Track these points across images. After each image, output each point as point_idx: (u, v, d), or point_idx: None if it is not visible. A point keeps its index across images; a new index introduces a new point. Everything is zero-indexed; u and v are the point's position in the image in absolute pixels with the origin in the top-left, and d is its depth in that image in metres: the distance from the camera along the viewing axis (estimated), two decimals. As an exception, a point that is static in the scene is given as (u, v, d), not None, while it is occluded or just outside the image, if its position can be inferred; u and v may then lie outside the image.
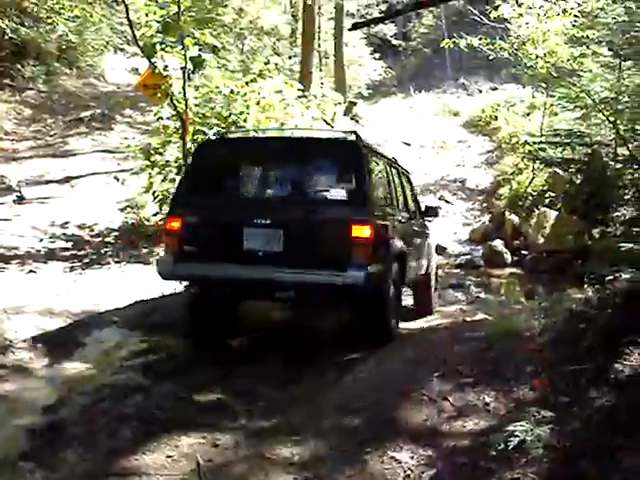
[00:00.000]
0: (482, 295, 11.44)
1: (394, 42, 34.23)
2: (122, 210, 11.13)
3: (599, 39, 13.83)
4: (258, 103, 10.39)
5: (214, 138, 8.39)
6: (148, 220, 10.47)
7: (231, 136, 8.25)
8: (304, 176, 6.52)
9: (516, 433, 3.81)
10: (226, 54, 15.61)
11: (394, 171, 7.80)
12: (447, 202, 17.16)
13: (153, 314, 7.11)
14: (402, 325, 8.99)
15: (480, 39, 14.04)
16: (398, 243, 6.82)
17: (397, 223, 7.12)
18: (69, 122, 16.88)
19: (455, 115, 25.96)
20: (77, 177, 13.27)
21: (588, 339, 5.08)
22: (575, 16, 13.18)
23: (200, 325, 6.35)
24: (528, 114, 16.12)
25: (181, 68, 9.37)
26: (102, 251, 9.40)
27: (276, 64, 10.69)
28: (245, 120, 10.45)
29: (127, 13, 9.57)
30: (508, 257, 13.23)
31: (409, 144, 21.14)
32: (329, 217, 6.02)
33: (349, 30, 13.38)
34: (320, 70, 21.30)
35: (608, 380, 4.56)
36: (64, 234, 10.10)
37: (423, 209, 9.09)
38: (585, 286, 10.02)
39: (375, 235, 5.94)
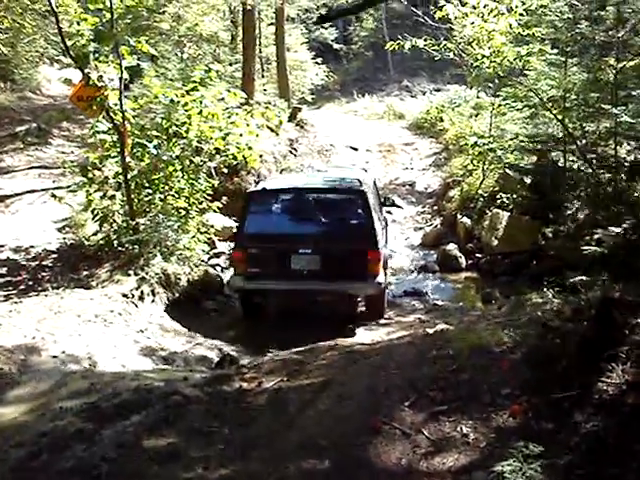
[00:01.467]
0: (439, 302, 11.15)
1: (335, 46, 33.96)
2: (60, 230, 10.53)
3: (544, 37, 13.75)
4: (200, 112, 9.92)
5: (260, 189, 9.75)
6: (88, 239, 9.87)
7: (273, 187, 9.82)
8: (330, 215, 9.37)
9: (505, 475, 3.44)
10: (165, 62, 15.00)
11: (375, 190, 11.02)
12: (397, 206, 16.85)
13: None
14: (361, 338, 8.73)
15: (425, 40, 13.84)
16: (387, 257, 10.29)
17: (385, 241, 10.55)
18: (3, 138, 16.13)
19: (400, 118, 25.74)
20: (12, 195, 12.62)
21: (566, 356, 4.77)
22: (520, 14, 13.01)
23: (248, 310, 9.52)
24: (476, 115, 15.92)
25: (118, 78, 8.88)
26: (40, 276, 8.78)
27: (217, 71, 10.20)
28: (187, 131, 9.99)
29: (57, 22, 9.01)
30: (463, 261, 12.96)
31: (356, 149, 20.83)
32: (353, 246, 9.04)
33: (315, 24, 12.99)
34: (262, 76, 20.86)
35: (592, 401, 4.24)
36: (-3, 259, 9.47)
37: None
38: (544, 289, 9.93)
39: (381, 258, 9.16)
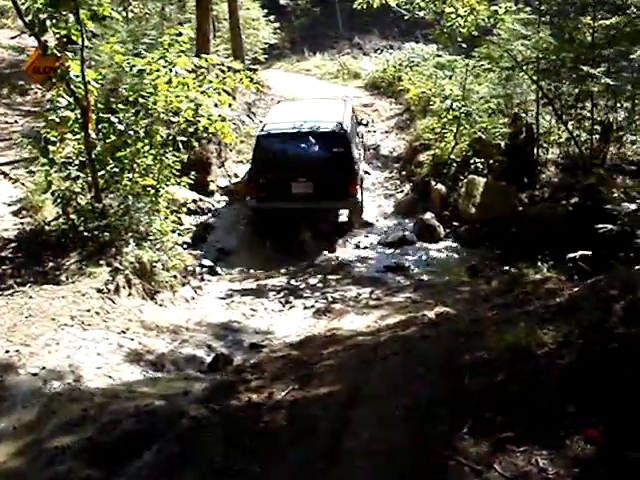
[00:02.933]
0: (424, 277, 10.67)
1: (282, 2, 32.76)
2: (16, 214, 9.59)
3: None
4: (169, 82, 9.06)
5: (266, 133, 12.30)
6: (49, 224, 8.94)
7: (274, 132, 12.33)
8: (320, 151, 12.07)
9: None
10: (112, 23, 13.90)
11: (355, 124, 14.33)
12: (364, 172, 16.25)
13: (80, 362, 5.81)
14: (355, 324, 8.19)
15: (395, -3, 13.14)
16: (362, 177, 13.45)
17: (361, 164, 13.73)
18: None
19: (355, 77, 24.99)
20: (-47, 173, 11.53)
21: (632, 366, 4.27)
22: (495, -30, 12.41)
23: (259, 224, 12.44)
24: (450, 77, 15.29)
25: (78, 46, 7.96)
26: (0, 270, 7.89)
27: (187, 35, 9.31)
28: (155, 102, 9.13)
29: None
30: (441, 230, 12.45)
31: (315, 111, 20.00)
32: (337, 175, 11.93)
33: None
34: (214, 36, 19.79)
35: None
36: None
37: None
38: (539, 264, 9.50)
39: (358, 183, 12.31)
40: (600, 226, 7.53)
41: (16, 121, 15.81)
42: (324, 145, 12.07)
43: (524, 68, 12.79)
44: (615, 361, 4.38)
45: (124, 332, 6.83)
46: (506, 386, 4.51)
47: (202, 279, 10.03)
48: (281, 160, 12.17)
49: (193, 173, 10.47)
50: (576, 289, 7.03)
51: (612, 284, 6.31)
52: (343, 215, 12.87)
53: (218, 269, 10.66)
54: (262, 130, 12.49)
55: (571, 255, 9.07)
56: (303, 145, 12.07)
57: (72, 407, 4.91)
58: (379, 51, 27.88)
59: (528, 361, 4.79)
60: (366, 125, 17.04)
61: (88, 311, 6.86)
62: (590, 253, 8.87)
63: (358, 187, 12.30)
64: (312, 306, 9.07)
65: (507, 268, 10.36)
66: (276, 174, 11.92)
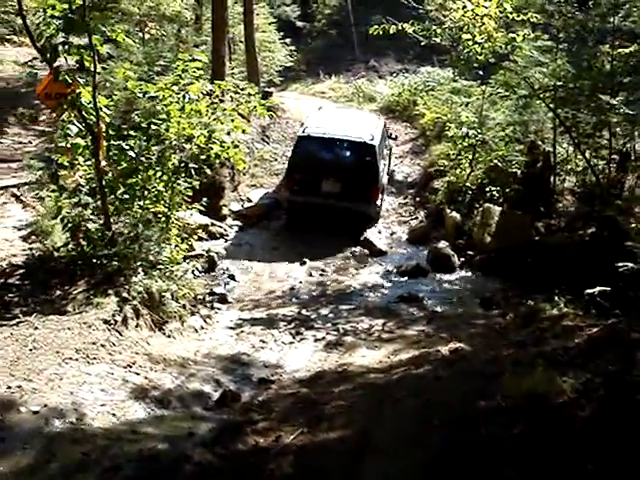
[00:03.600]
0: (438, 308, 10.47)
1: (298, 24, 32.80)
2: (25, 239, 9.48)
3: (536, 23, 13.10)
4: (182, 109, 8.96)
5: (306, 135, 13.91)
6: (58, 250, 8.82)
7: (313, 135, 13.85)
8: (351, 157, 13.68)
9: None
10: (128, 46, 13.88)
11: (386, 137, 16.10)
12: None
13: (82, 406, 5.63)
14: (367, 359, 8.00)
15: (412, 24, 13.05)
16: (384, 186, 14.89)
17: (384, 176, 15.05)
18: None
19: (371, 100, 24.83)
20: (-35, 195, 11.46)
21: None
22: (513, -2, 12.30)
23: (291, 215, 14.12)
24: (467, 104, 15.19)
25: (91, 72, 7.87)
26: (7, 298, 7.74)
27: (201, 61, 9.20)
28: (167, 129, 9.02)
29: (21, 10, 7.96)
30: (456, 259, 12.27)
31: (330, 135, 19.92)
32: (362, 180, 13.35)
33: None
34: (230, 59, 19.75)
35: None
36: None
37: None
38: (556, 298, 9.30)
39: (380, 191, 13.93)
40: (621, 264, 7.34)
41: (30, 141, 15.76)
42: (354, 153, 13.67)
43: (541, 96, 12.64)
44: (638, 416, 4.19)
45: (130, 366, 6.67)
46: (523, 440, 4.32)
47: (212, 307, 9.87)
48: (316, 160, 13.67)
49: (205, 199, 10.32)
50: (595, 329, 6.83)
51: (633, 327, 6.12)
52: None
53: (229, 297, 10.49)
54: (303, 132, 14.08)
55: (589, 291, 8.89)
56: (336, 150, 13.76)
57: (73, 450, 4.74)
58: (395, 74, 27.79)
59: (546, 411, 4.60)
60: (395, 139, 18.09)
61: (94, 344, 6.71)
62: (609, 289, 8.68)
63: (379, 194, 14.07)
64: (323, 338, 8.90)
65: (523, 301, 10.18)
66: (310, 171, 13.57)
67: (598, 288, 8.71)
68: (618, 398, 4.46)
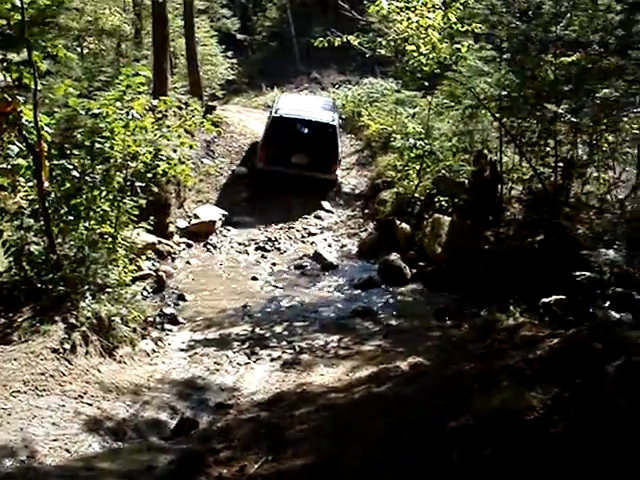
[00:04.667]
0: (392, 322, 10.38)
1: (239, 37, 32.59)
2: (-36, 264, 9.05)
3: (479, 33, 13.19)
4: (127, 125, 8.68)
5: (279, 116, 16.60)
6: (0, 276, 8.44)
7: (285, 116, 16.54)
8: (316, 134, 16.19)
9: None
10: (68, 61, 13.51)
11: (338, 112, 18.85)
12: (327, 211, 16.01)
13: None
14: (326, 377, 7.85)
15: (357, 36, 13.00)
16: (340, 159, 17.47)
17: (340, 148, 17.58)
18: None
19: (314, 112, 24.76)
20: None
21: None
22: (457, 9, 12.33)
23: (260, 181, 16.48)
24: (413, 115, 15.25)
25: (31, 90, 7.56)
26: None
27: (146, 76, 8.93)
28: (112, 147, 8.73)
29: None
30: (407, 272, 12.20)
31: (275, 147, 19.79)
32: (326, 154, 16.12)
33: None
34: (172, 73, 19.46)
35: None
36: None
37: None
38: (511, 307, 9.28)
39: (338, 162, 16.90)
40: (578, 273, 7.37)
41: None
42: (319, 131, 16.38)
43: (486, 105, 12.73)
44: (613, 432, 4.12)
45: (81, 397, 6.38)
46: (496, 461, 4.21)
47: (163, 329, 9.59)
48: (287, 137, 16.09)
49: (151, 217, 10.04)
50: (555, 340, 6.79)
51: (594, 336, 6.10)
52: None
53: (179, 317, 10.21)
54: (276, 113, 16.82)
55: (545, 300, 8.91)
56: (304, 129, 16.40)
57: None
58: (337, 86, 27.84)
59: (517, 430, 4.50)
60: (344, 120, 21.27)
61: (42, 374, 6.39)
62: (564, 298, 8.73)
63: (337, 165, 16.99)
64: (279, 357, 8.70)
65: (477, 311, 10.17)
66: (282, 146, 16.05)
67: (554, 297, 8.75)
68: (589, 413, 4.39)
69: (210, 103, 19.65)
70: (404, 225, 13.41)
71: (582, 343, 5.90)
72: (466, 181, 13.64)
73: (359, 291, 11.73)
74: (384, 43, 12.88)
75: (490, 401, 4.94)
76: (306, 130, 16.40)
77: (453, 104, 13.34)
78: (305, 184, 16.00)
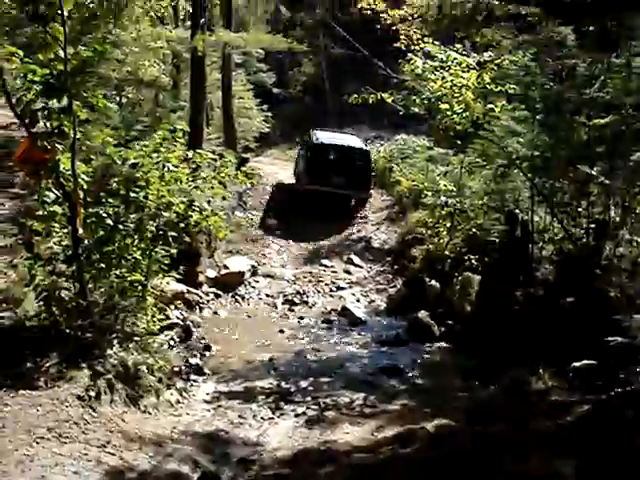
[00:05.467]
0: (419, 380, 10.25)
1: (275, 90, 33.16)
2: (-5, 307, 9.14)
3: (513, 94, 13.25)
4: (162, 176, 8.81)
5: (319, 143, 19.84)
6: (30, 319, 8.48)
7: (325, 142, 19.77)
8: (352, 159, 19.39)
9: None
10: (106, 110, 13.81)
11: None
12: (356, 266, 16.01)
13: None
14: (351, 435, 7.73)
15: (391, 94, 13.16)
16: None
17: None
18: None
19: (346, 167, 25.04)
20: None
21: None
22: (492, 69, 12.45)
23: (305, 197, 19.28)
24: (445, 173, 15.32)
25: (70, 138, 7.72)
26: (-25, 371, 7.39)
27: (182, 129, 9.11)
28: (146, 196, 8.84)
29: (1, 75, 7.84)
30: (436, 329, 12.11)
31: (307, 201, 19.99)
32: (361, 175, 19.56)
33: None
34: (208, 125, 19.80)
35: None
36: None
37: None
38: (540, 370, 9.13)
39: (372, 182, 20.66)
40: (611, 338, 7.25)
41: (2, 204, 15.49)
42: (355, 155, 19.65)
43: (519, 165, 12.72)
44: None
45: (104, 445, 6.33)
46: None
47: (188, 379, 9.57)
48: (327, 161, 19.18)
49: (182, 267, 10.10)
50: (586, 407, 6.66)
51: (626, 404, 5.97)
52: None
53: (205, 368, 10.18)
54: (315, 142, 20.02)
55: (576, 364, 8.75)
56: (341, 154, 19.41)
57: None
58: (370, 141, 28.08)
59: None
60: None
61: (67, 422, 6.37)
62: (595, 363, 8.56)
63: (371, 185, 20.39)
64: (304, 413, 8.60)
65: (505, 373, 10.00)
66: (323, 169, 19.02)
67: (584, 361, 8.59)
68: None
69: (244, 155, 19.94)
70: (433, 282, 13.36)
71: (613, 410, 5.76)
72: (497, 240, 13.58)
73: (386, 348, 11.64)
74: (418, 101, 12.99)
75: (518, 467, 4.82)
76: (343, 154, 19.35)
77: (485, 163, 13.34)
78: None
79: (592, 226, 12.63)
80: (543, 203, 13.43)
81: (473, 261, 13.27)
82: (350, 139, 20.84)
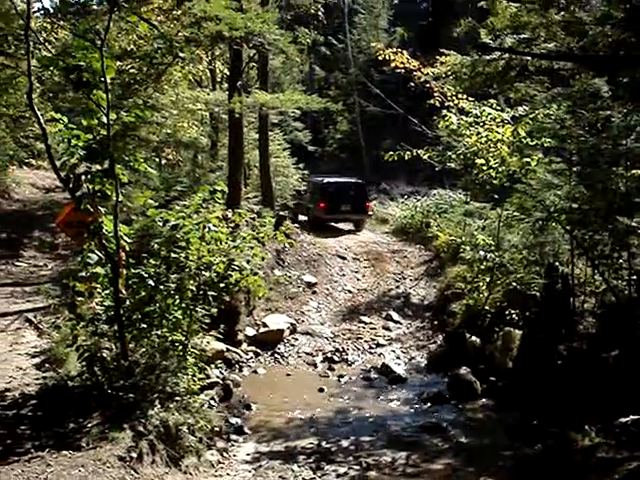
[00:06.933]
0: (463, 439, 10.05)
1: (310, 148, 33.62)
2: (38, 367, 9.27)
3: (549, 146, 13.27)
4: (202, 237, 8.94)
5: (326, 182, 24.86)
6: (72, 379, 8.57)
7: (331, 181, 25.07)
8: (354, 191, 24.51)
9: None
10: (147, 172, 14.14)
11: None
12: (395, 322, 15.93)
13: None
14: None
15: (427, 150, 13.27)
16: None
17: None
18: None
19: (383, 222, 25.26)
20: (-20, 321, 11.35)
21: None
22: (527, 123, 12.52)
23: (317, 225, 23.97)
24: (483, 227, 15.28)
25: (112, 200, 7.90)
26: (19, 430, 7.46)
27: (222, 191, 9.27)
28: (187, 257, 8.96)
29: (46, 141, 8.10)
30: (478, 386, 11.92)
31: (344, 257, 20.04)
32: (361, 203, 24.32)
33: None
34: (246, 184, 20.11)
35: None
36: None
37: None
38: (586, 427, 8.91)
39: (369, 207, 25.49)
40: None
41: (45, 264, 15.83)
42: (355, 189, 24.41)
43: (557, 218, 12.65)
44: None
45: (146, 507, 6.32)
46: None
47: (228, 439, 9.54)
48: (335, 195, 23.70)
49: (222, 326, 10.17)
50: (634, 464, 6.49)
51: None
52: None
53: (245, 427, 10.14)
54: (323, 183, 24.62)
55: (622, 420, 8.55)
56: (345, 189, 24.27)
57: None
58: (406, 196, 28.21)
59: None
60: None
61: (109, 483, 6.38)
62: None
63: (369, 208, 24.99)
64: (345, 473, 8.50)
65: (550, 430, 9.80)
66: (333, 201, 23.52)
67: (631, 417, 8.39)
68: None
69: (281, 213, 20.10)
70: (474, 338, 13.21)
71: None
72: (537, 294, 13.43)
73: (428, 405, 11.49)
74: (453, 156, 13.08)
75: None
76: (346, 188, 24.19)
77: (523, 216, 13.27)
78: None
79: (634, 277, 12.46)
80: (583, 255, 13.31)
81: (514, 315, 13.11)
82: (348, 177, 26.43)
